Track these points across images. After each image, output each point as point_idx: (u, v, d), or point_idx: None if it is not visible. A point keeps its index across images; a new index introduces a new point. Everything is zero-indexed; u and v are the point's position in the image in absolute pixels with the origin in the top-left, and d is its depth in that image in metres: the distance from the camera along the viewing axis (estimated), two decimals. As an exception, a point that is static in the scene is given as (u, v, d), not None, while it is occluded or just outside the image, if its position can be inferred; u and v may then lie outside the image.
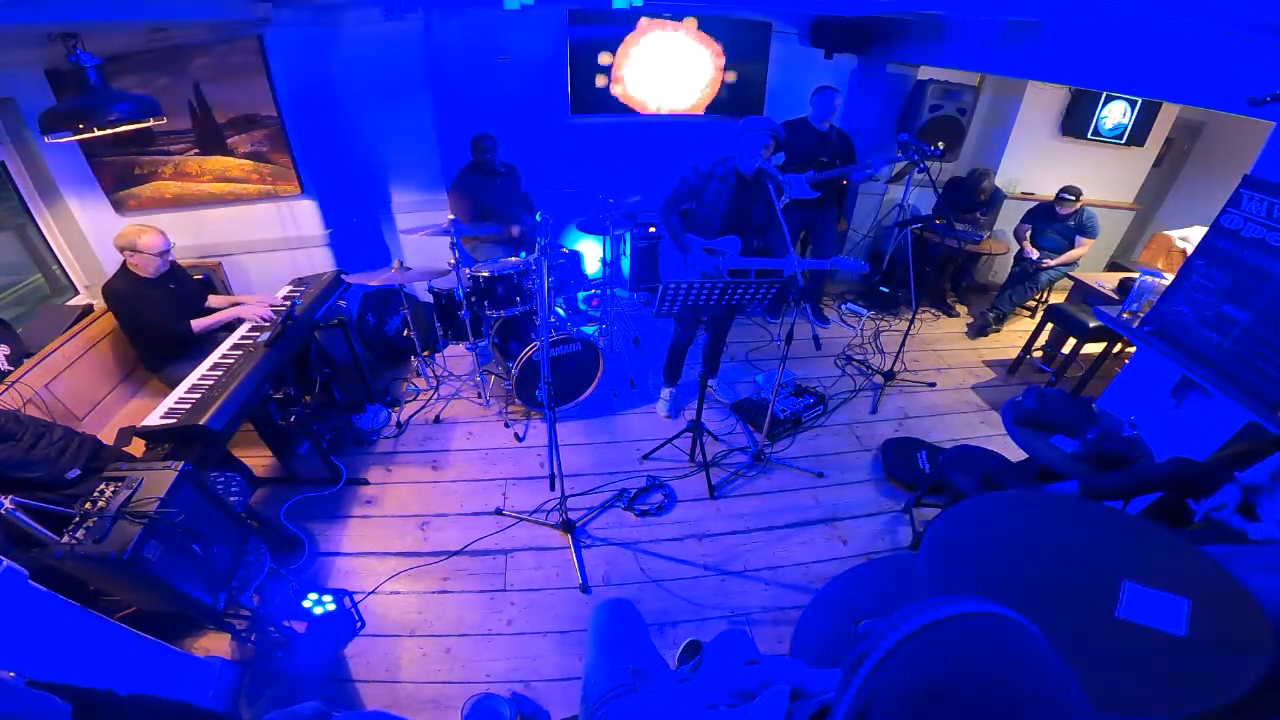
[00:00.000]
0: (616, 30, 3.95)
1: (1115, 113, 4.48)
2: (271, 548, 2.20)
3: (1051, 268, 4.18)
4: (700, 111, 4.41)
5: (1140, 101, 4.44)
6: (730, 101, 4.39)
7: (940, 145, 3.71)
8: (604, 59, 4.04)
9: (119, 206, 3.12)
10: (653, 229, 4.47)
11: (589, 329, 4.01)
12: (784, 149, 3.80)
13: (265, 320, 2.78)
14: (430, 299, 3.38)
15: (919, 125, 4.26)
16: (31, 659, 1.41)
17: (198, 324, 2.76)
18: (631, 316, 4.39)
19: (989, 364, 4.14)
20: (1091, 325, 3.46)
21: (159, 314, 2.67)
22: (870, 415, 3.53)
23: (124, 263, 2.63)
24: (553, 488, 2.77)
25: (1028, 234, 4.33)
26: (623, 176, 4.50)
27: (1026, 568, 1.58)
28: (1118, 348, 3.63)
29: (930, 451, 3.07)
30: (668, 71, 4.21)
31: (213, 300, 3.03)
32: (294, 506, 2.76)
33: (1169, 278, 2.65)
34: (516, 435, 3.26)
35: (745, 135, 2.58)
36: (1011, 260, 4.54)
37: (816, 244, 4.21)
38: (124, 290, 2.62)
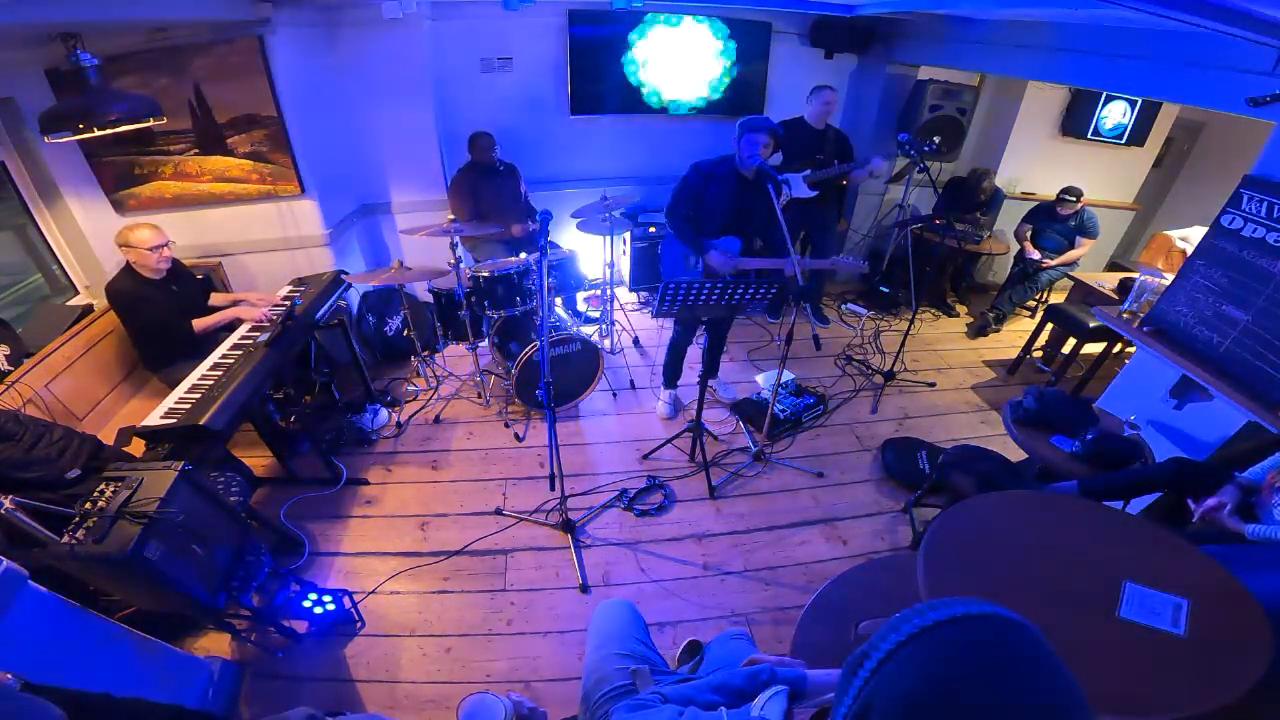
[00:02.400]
0: (617, 30, 3.95)
1: (1115, 113, 4.48)
2: (271, 548, 2.20)
3: (1051, 268, 4.19)
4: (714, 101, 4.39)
5: (1140, 101, 4.44)
6: (730, 101, 4.39)
7: (935, 139, 3.69)
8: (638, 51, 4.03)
9: (119, 206, 3.12)
10: (653, 229, 4.48)
11: (589, 329, 4.01)
12: (781, 149, 3.79)
13: (265, 321, 2.76)
14: (430, 299, 3.38)
15: (919, 125, 4.26)
16: (31, 659, 1.41)
17: (199, 324, 2.75)
18: (631, 316, 4.39)
19: (989, 364, 4.14)
20: (1091, 325, 3.46)
21: (159, 314, 2.67)
22: (870, 415, 3.53)
23: (127, 262, 2.63)
24: (553, 488, 2.77)
25: (1028, 234, 4.33)
26: (623, 177, 4.50)
27: (1026, 568, 1.58)
28: (1118, 348, 3.63)
29: (930, 451, 3.07)
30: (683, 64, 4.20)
31: (215, 298, 3.03)
32: (294, 506, 2.76)
33: (1169, 278, 2.65)
34: (516, 435, 3.26)
35: (744, 135, 2.58)
36: (1011, 260, 4.54)
37: (817, 243, 4.21)
38: (125, 288, 2.62)
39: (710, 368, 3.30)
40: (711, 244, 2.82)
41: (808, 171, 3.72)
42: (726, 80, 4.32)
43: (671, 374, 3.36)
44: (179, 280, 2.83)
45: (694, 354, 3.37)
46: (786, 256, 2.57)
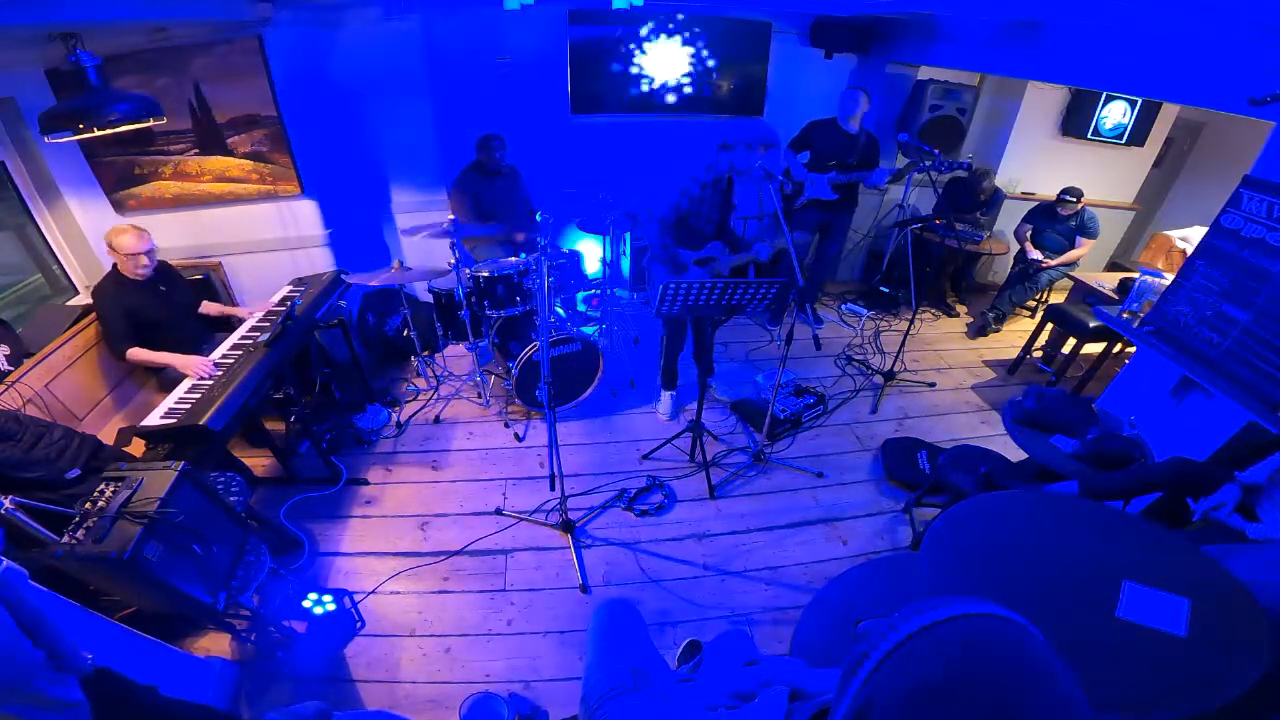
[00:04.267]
0: (617, 30, 3.95)
1: (1115, 113, 4.48)
2: (271, 548, 2.20)
3: (1052, 268, 4.19)
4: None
5: (1140, 101, 4.44)
6: (730, 101, 4.39)
7: (970, 158, 3.59)
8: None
9: (119, 206, 3.12)
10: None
11: (589, 329, 4.01)
12: (811, 148, 3.76)
13: (207, 378, 2.47)
14: (430, 299, 3.38)
15: (919, 125, 4.26)
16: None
17: (135, 354, 2.62)
18: (631, 316, 4.39)
19: (989, 364, 4.14)
20: (1091, 325, 3.46)
21: (121, 322, 2.59)
22: (870, 415, 3.53)
23: (114, 262, 2.62)
24: (553, 488, 2.77)
25: (1028, 234, 4.33)
26: (623, 176, 4.50)
27: (1026, 568, 1.58)
28: (1118, 348, 3.63)
29: (930, 451, 3.06)
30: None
31: (206, 307, 3.00)
32: (294, 506, 2.75)
33: (1169, 278, 2.65)
34: (516, 435, 3.26)
35: (738, 149, 2.59)
36: (1011, 260, 4.54)
37: (825, 246, 4.22)
38: (105, 288, 2.59)
39: (705, 367, 3.29)
40: (691, 261, 2.84)
41: (833, 174, 3.71)
42: (725, 79, 4.32)
43: (669, 377, 3.36)
44: (167, 280, 2.79)
45: (726, 334, 3.38)
46: (749, 248, 2.66)
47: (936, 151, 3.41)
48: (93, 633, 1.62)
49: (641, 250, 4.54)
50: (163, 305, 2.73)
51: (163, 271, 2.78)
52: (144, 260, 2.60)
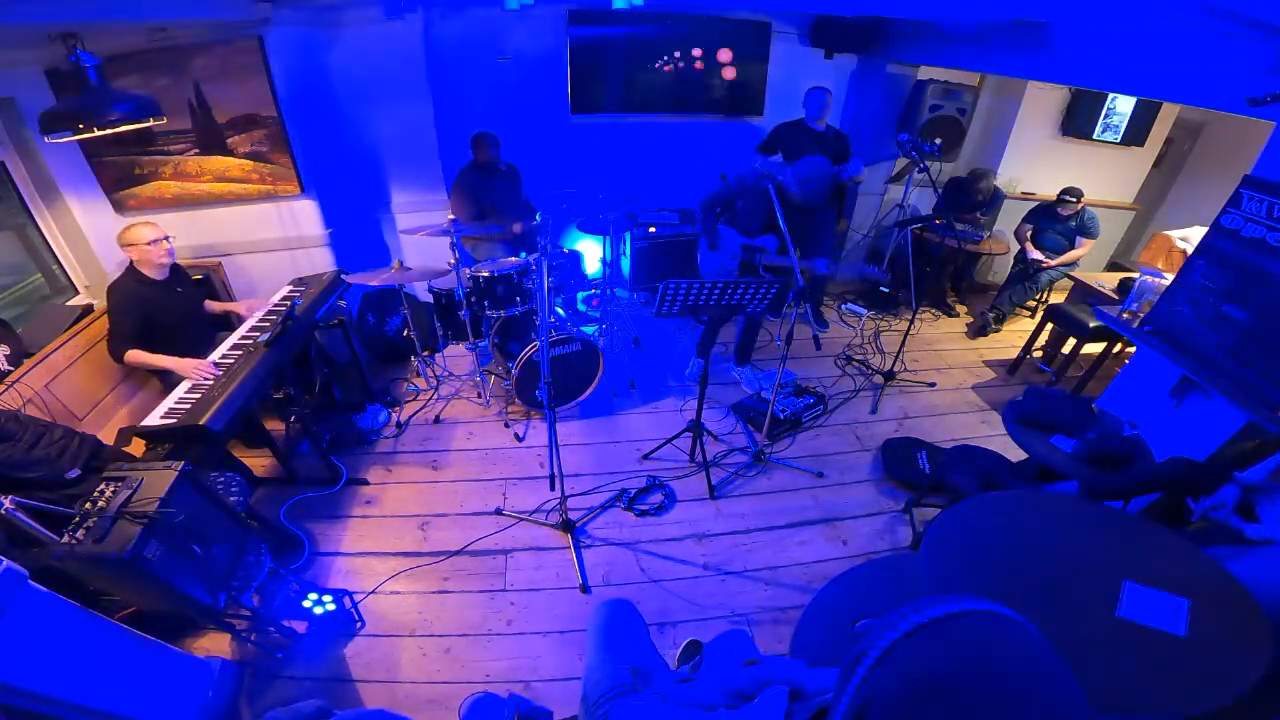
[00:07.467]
0: (617, 30, 3.95)
1: (1125, 108, 4.46)
2: (271, 548, 2.19)
3: (1052, 268, 4.19)
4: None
5: (1135, 100, 4.44)
6: (730, 101, 4.39)
7: (938, 140, 3.66)
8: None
9: (119, 206, 3.12)
10: (653, 229, 4.47)
11: (589, 329, 4.01)
12: (782, 151, 3.85)
13: (206, 380, 2.46)
14: (430, 299, 3.37)
15: (919, 125, 4.26)
16: (31, 660, 1.41)
17: (132, 357, 2.57)
18: (631, 316, 4.38)
19: (989, 364, 4.14)
20: (1091, 325, 3.46)
21: (160, 314, 2.62)
22: (870, 415, 3.53)
23: (130, 262, 2.62)
24: (553, 488, 2.77)
25: (1029, 234, 4.33)
26: (623, 177, 4.50)
27: (1026, 568, 1.58)
28: (1118, 348, 3.63)
29: (930, 451, 3.06)
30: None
31: (210, 305, 3.03)
32: (294, 506, 2.76)
33: (1169, 278, 2.65)
34: (516, 435, 3.26)
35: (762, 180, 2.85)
36: (1011, 260, 4.54)
37: (816, 244, 4.21)
38: (122, 287, 2.60)
39: (741, 355, 3.53)
40: (738, 244, 3.08)
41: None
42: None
43: (702, 349, 3.52)
44: (182, 283, 2.83)
45: (725, 334, 3.48)
46: (814, 258, 2.82)
47: (937, 150, 3.43)
48: (93, 633, 1.62)
49: (643, 250, 4.55)
50: (179, 307, 2.75)
51: (177, 273, 2.80)
52: (166, 245, 2.61)
